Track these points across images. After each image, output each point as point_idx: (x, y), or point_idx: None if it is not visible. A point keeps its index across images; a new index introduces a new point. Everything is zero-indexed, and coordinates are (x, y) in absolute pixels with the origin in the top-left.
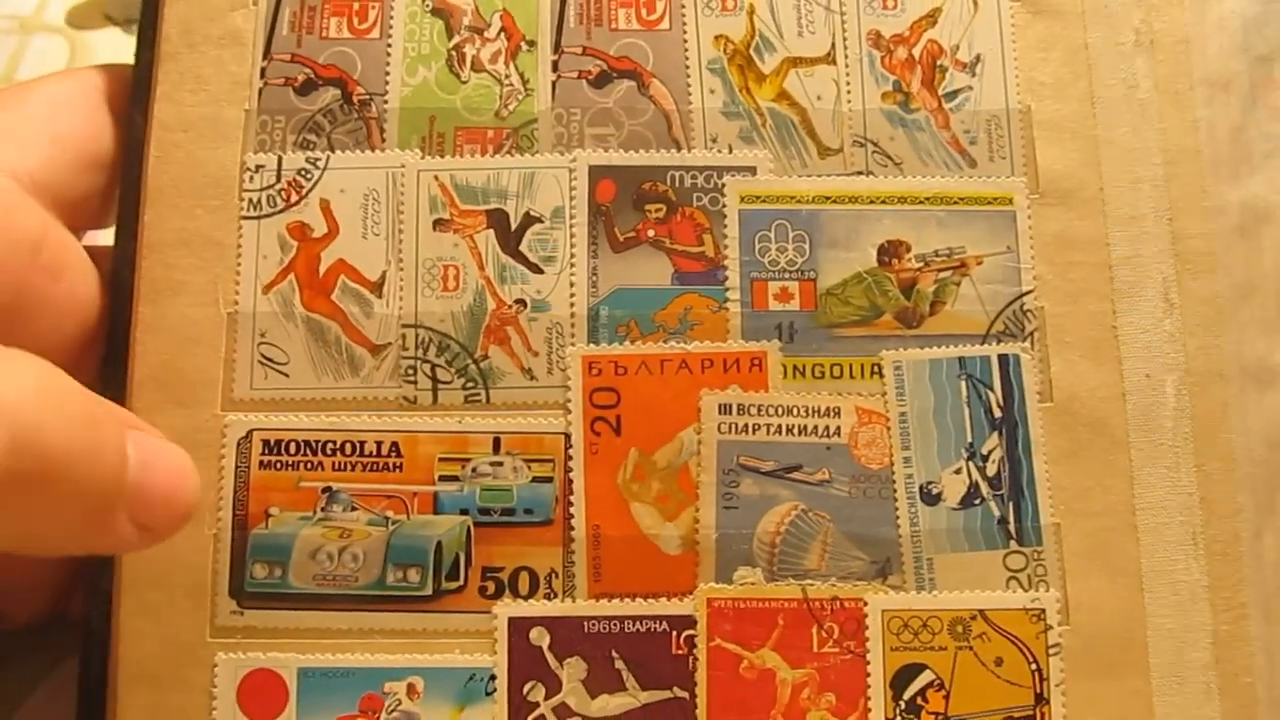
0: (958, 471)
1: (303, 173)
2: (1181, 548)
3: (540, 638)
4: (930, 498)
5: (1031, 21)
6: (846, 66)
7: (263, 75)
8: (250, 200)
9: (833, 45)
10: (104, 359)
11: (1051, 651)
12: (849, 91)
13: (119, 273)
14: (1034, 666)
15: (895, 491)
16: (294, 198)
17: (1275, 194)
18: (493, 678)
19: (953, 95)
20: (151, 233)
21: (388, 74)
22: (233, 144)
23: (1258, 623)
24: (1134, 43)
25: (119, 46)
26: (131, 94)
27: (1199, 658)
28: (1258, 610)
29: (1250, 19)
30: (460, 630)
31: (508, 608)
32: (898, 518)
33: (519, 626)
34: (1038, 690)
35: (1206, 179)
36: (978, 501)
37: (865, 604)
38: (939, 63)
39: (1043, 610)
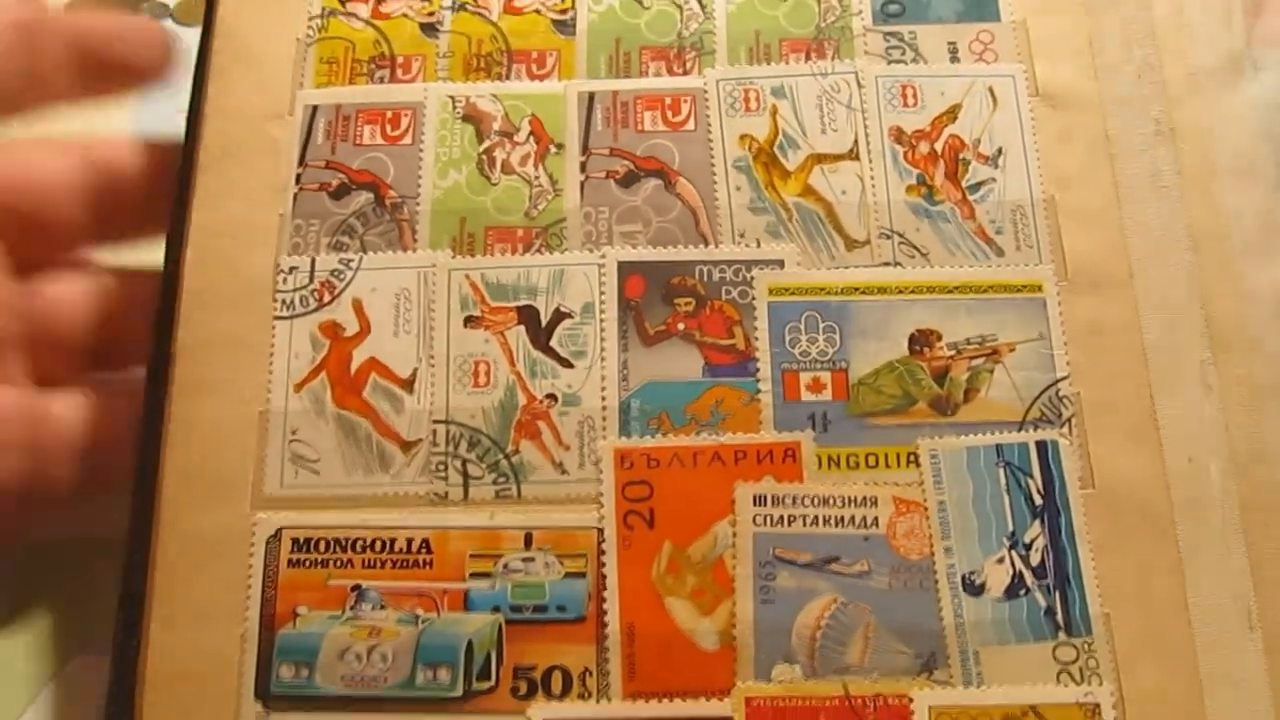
0: (1000, 561)
1: (335, 273)
2: (1239, 637)
3: None
4: (973, 588)
5: (1051, 115)
6: (870, 162)
7: (298, 181)
8: (283, 300)
9: (855, 141)
10: (137, 458)
11: None
12: (874, 185)
13: (154, 372)
14: None
15: (937, 582)
16: (326, 297)
17: None
18: None
19: (976, 187)
20: (186, 334)
21: (420, 177)
22: (267, 248)
23: None
24: (1154, 132)
25: None
26: (172, 204)
27: None
28: None
29: (1271, 105)
30: None
31: (541, 709)
32: (940, 609)
33: None
34: None
35: (1237, 262)
36: (1023, 592)
37: (911, 700)
38: (961, 156)
39: (1097, 705)
